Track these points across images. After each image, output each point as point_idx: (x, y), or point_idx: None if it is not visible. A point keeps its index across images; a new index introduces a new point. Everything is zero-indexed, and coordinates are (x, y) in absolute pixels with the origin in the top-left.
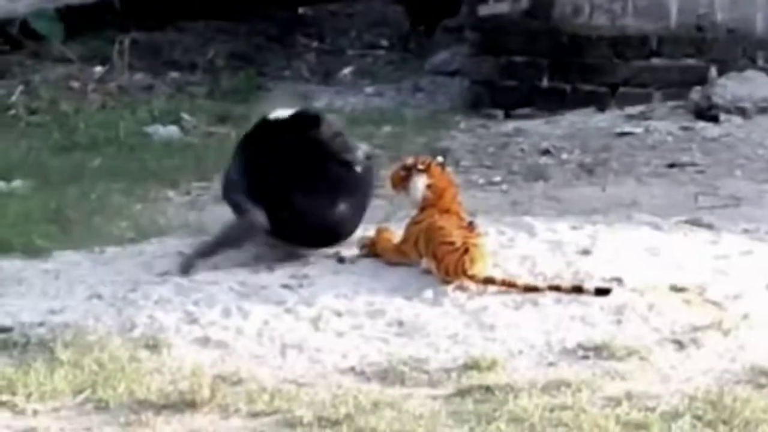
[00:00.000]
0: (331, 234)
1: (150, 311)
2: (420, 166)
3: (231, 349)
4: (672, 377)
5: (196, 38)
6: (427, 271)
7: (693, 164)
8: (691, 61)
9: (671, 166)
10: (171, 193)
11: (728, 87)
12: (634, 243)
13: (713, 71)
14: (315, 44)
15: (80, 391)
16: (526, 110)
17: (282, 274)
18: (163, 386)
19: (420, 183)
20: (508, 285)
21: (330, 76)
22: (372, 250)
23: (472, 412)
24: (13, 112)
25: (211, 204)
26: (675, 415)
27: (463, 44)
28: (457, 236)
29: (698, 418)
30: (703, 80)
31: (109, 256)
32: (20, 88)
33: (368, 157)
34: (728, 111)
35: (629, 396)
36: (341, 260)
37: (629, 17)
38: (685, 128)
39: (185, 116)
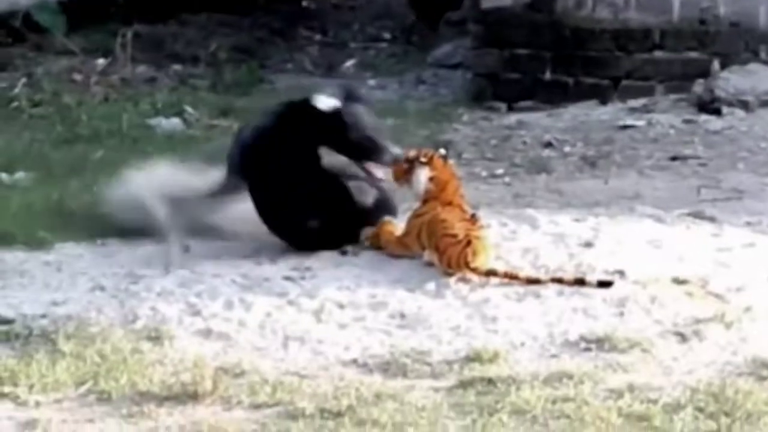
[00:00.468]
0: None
1: (152, 303)
2: (422, 159)
3: (233, 340)
4: (674, 369)
5: (199, 31)
6: (430, 264)
7: (695, 157)
8: (693, 54)
9: (674, 158)
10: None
11: (731, 80)
12: (636, 235)
13: (716, 64)
14: (318, 37)
15: (82, 383)
16: (528, 103)
17: (284, 266)
18: (166, 378)
19: (422, 176)
20: (511, 277)
21: (333, 69)
22: (375, 242)
23: (474, 404)
24: (16, 104)
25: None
26: (677, 407)
27: (466, 37)
28: (459, 228)
29: (700, 410)
30: (705, 73)
31: (111, 249)
32: (23, 80)
33: (396, 160)
34: (731, 104)
35: (631, 388)
36: (344, 252)
37: (632, 10)
38: (687, 121)
39: (188, 109)
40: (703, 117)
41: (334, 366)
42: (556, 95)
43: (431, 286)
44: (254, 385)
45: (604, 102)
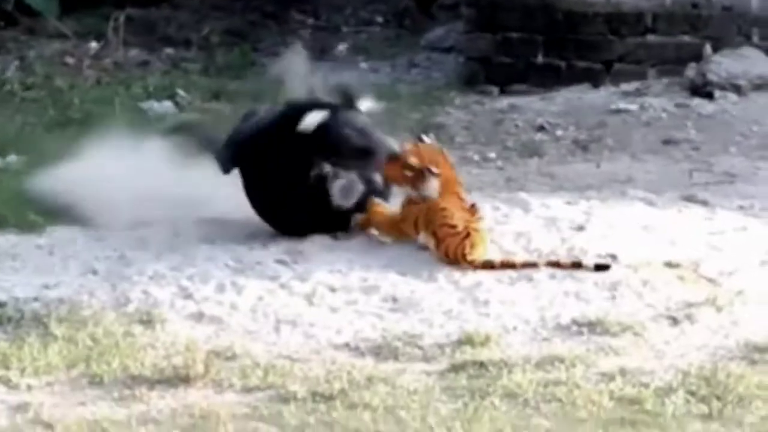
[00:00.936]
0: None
1: (144, 286)
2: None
3: (225, 324)
4: (666, 353)
5: (191, 14)
6: (424, 247)
7: (688, 141)
8: (686, 38)
9: (666, 142)
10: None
11: (723, 64)
12: (628, 219)
13: (708, 48)
14: (310, 21)
15: (74, 366)
16: (521, 87)
17: (276, 249)
18: (157, 361)
19: (434, 185)
20: (508, 266)
21: (325, 53)
22: (365, 223)
23: (466, 388)
24: (8, 87)
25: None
26: (668, 391)
27: (459, 21)
28: (458, 219)
29: (692, 393)
30: (698, 57)
31: (103, 232)
32: (15, 63)
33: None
34: (723, 88)
35: (623, 372)
36: (335, 237)
37: None
38: (679, 105)
39: (180, 92)
40: (696, 101)
41: (325, 349)
42: (548, 79)
43: (423, 270)
44: (246, 368)
45: (596, 86)
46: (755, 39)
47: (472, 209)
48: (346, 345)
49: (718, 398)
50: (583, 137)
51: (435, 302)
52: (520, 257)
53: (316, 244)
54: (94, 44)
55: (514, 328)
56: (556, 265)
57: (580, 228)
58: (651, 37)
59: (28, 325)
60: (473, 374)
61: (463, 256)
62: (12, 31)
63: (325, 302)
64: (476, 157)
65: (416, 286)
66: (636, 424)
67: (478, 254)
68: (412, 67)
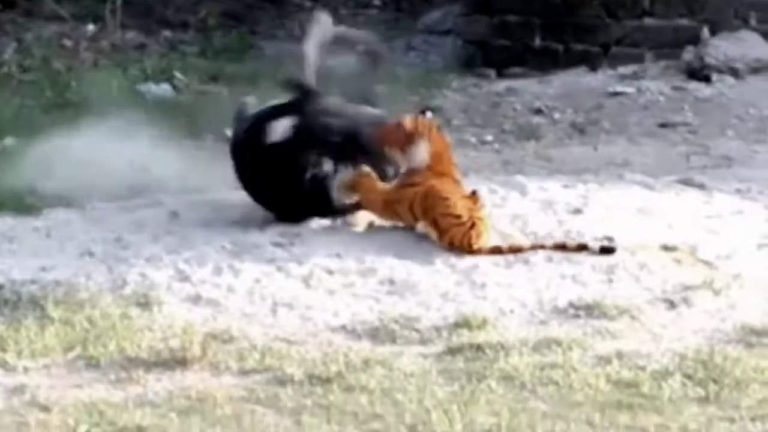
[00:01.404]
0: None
1: (141, 269)
2: (424, 132)
3: (222, 307)
4: (663, 336)
5: None
6: (424, 236)
7: (685, 124)
8: (683, 21)
9: (663, 125)
10: (162, 151)
11: (720, 47)
12: (625, 202)
13: (705, 31)
14: (308, 4)
15: (71, 348)
16: (518, 70)
17: (273, 232)
18: (154, 344)
19: (423, 149)
20: (516, 251)
21: None
22: (350, 190)
23: (463, 370)
24: (5, 70)
25: (203, 161)
26: (665, 374)
27: (456, 3)
28: (462, 209)
29: (688, 376)
30: (695, 40)
31: (100, 214)
32: (13, 46)
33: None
34: (720, 71)
35: (620, 355)
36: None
37: None
38: (677, 88)
39: (177, 75)
40: (693, 84)
41: (322, 332)
42: (545, 62)
43: (420, 253)
44: (243, 351)
45: (593, 69)
46: (753, 22)
47: (473, 197)
48: (343, 327)
49: (715, 381)
50: (580, 120)
51: (432, 285)
52: (525, 242)
53: (313, 227)
54: (91, 27)
55: (511, 311)
56: (562, 248)
57: (577, 211)
58: (648, 21)
59: (25, 307)
60: (470, 357)
61: (470, 246)
62: (10, 13)
63: (322, 285)
64: (473, 140)
65: (413, 269)
66: (632, 407)
67: (483, 242)
68: (409, 50)
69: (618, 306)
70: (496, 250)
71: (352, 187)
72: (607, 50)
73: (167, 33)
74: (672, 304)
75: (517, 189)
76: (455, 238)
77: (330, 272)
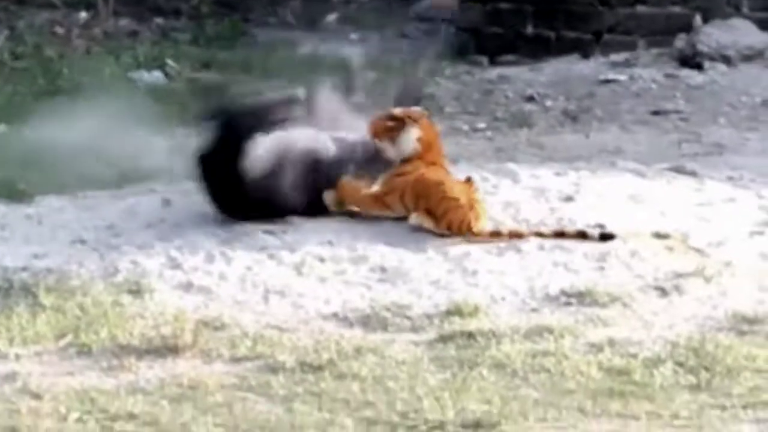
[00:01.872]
0: None
1: (133, 256)
2: (413, 118)
3: (214, 294)
4: (654, 324)
5: None
6: (418, 228)
7: (677, 112)
8: (675, 9)
9: (655, 113)
10: (155, 139)
11: (713, 35)
12: (617, 190)
13: (698, 19)
14: None
15: (63, 336)
16: (510, 57)
17: (265, 220)
18: (146, 331)
19: (412, 135)
20: (515, 236)
21: (315, 23)
22: (340, 206)
23: (455, 358)
24: None
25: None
26: (657, 362)
27: None
28: (459, 192)
29: (680, 364)
30: (687, 28)
31: (92, 202)
32: (5, 33)
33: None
34: (712, 58)
35: (611, 342)
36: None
37: None
38: (669, 76)
39: (170, 62)
40: (685, 71)
41: (314, 320)
42: (538, 49)
43: (412, 240)
44: (234, 338)
45: (585, 56)
46: (745, 10)
47: (468, 181)
48: (335, 315)
49: (707, 369)
50: (572, 108)
51: (423, 273)
52: (524, 228)
53: (304, 215)
54: (83, 14)
55: (503, 299)
56: (561, 234)
57: (569, 199)
58: (641, 8)
59: (17, 294)
60: (462, 345)
61: (469, 228)
62: (2, 1)
63: (314, 272)
64: (465, 128)
65: (405, 257)
66: (624, 394)
67: (482, 225)
68: (401, 37)
69: (610, 293)
70: (496, 234)
71: (339, 201)
72: (599, 38)
73: (159, 20)
74: (664, 292)
75: (509, 176)
76: (454, 221)
77: (322, 260)
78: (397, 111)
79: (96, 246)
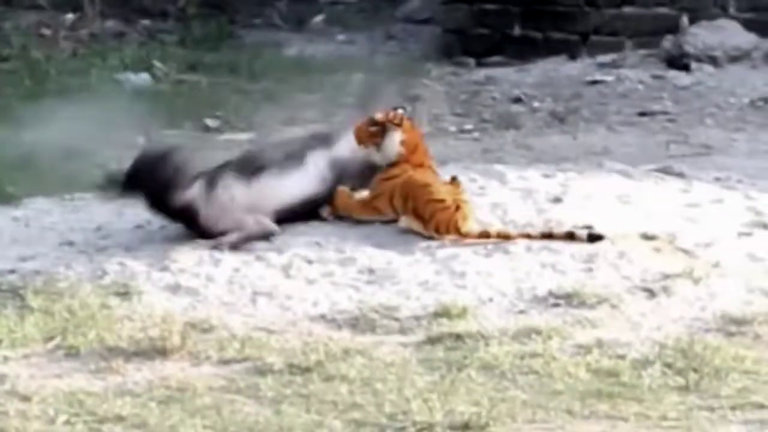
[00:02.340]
0: None
1: (121, 258)
2: (395, 122)
3: (202, 296)
4: (642, 325)
5: None
6: (407, 231)
7: (664, 113)
8: (662, 10)
9: (642, 114)
10: (142, 140)
11: (700, 35)
12: (605, 191)
13: (685, 20)
14: None
15: (51, 338)
16: (497, 58)
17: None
18: (134, 333)
19: (395, 139)
20: (503, 237)
21: (302, 24)
22: (334, 211)
23: (443, 360)
24: None
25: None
26: (645, 363)
27: None
28: (445, 193)
29: (668, 365)
30: (674, 29)
31: (79, 203)
32: None
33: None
34: (699, 59)
35: (599, 343)
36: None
37: None
38: (656, 77)
39: (156, 64)
40: (672, 72)
41: (302, 321)
42: (525, 50)
43: (400, 241)
44: (222, 340)
45: (573, 57)
46: (732, 11)
47: (454, 182)
48: (323, 317)
49: (695, 370)
50: (559, 109)
51: (411, 274)
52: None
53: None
54: (70, 15)
55: (491, 300)
56: (549, 236)
57: (557, 200)
58: (627, 9)
59: (5, 296)
60: (450, 346)
61: (457, 229)
62: None
63: (302, 274)
64: (452, 129)
65: (393, 259)
66: (612, 396)
67: (469, 226)
68: (388, 38)
69: (598, 295)
70: (485, 235)
71: (335, 206)
72: (586, 39)
73: (146, 22)
74: (652, 293)
75: (496, 178)
76: (441, 223)
77: (309, 262)
78: (379, 116)
79: (84, 248)
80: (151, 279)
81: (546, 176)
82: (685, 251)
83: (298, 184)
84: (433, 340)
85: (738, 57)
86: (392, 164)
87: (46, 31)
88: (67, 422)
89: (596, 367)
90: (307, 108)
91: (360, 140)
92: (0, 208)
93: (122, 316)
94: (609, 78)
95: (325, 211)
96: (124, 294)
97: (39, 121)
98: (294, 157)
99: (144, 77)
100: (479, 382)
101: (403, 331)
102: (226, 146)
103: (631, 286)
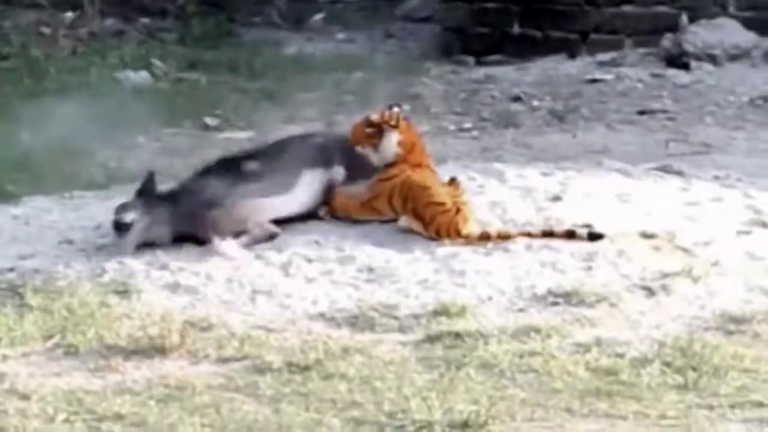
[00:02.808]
0: None
1: (120, 257)
2: (392, 123)
3: (201, 294)
4: (641, 324)
5: None
6: (407, 230)
7: (663, 111)
8: (662, 8)
9: (642, 113)
10: (141, 139)
11: (699, 34)
12: (604, 190)
13: (684, 18)
14: None
15: (50, 337)
16: (497, 57)
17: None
18: (133, 331)
19: (393, 139)
20: (504, 237)
21: (301, 23)
22: (332, 212)
23: (442, 358)
24: None
25: (181, 149)
26: (644, 362)
27: None
28: (445, 196)
29: (667, 364)
30: (674, 27)
31: (79, 202)
32: None
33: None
34: (699, 58)
35: (599, 342)
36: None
37: None
38: (655, 75)
39: (156, 62)
40: (672, 71)
41: (301, 320)
42: (524, 49)
43: (399, 240)
44: (222, 338)
45: (572, 56)
46: (731, 9)
47: (454, 183)
48: (322, 315)
49: (694, 369)
50: (558, 107)
51: (411, 272)
52: (512, 229)
53: None
54: (69, 14)
55: (490, 299)
56: (550, 234)
57: (556, 198)
58: (627, 7)
59: (4, 295)
60: (449, 345)
61: (457, 232)
62: None
63: (301, 273)
64: (452, 127)
65: (392, 257)
66: (611, 394)
67: (470, 228)
68: (388, 37)
69: (597, 293)
70: (485, 236)
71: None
72: (585, 37)
73: (146, 20)
74: (651, 292)
75: (495, 176)
76: (441, 226)
77: (309, 260)
78: (375, 117)
79: (83, 246)
80: (150, 277)
81: (545, 175)
82: (685, 250)
83: (286, 206)
84: (432, 339)
85: (737, 55)
86: (390, 164)
87: (46, 30)
88: (66, 420)
89: (595, 366)
90: (306, 106)
91: (357, 141)
92: (0, 206)
93: (121, 315)
94: (608, 76)
95: (322, 211)
96: (124, 292)
97: (38, 119)
98: (287, 173)
99: (143, 76)
100: (478, 381)
101: (402, 330)
102: (226, 145)
103: (630, 284)
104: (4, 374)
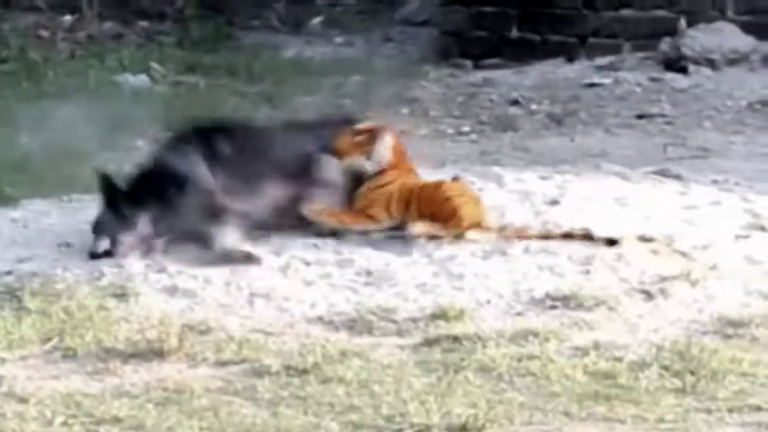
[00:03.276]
0: None
1: (118, 260)
2: (384, 129)
3: (199, 298)
4: (640, 327)
5: None
6: (417, 237)
7: (662, 115)
8: (660, 12)
9: (640, 117)
10: (140, 142)
11: (697, 38)
12: (602, 193)
13: (683, 22)
14: None
15: (48, 340)
16: (495, 60)
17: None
18: (131, 335)
19: (388, 143)
20: (522, 237)
21: (300, 26)
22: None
23: (440, 362)
24: None
25: None
26: (642, 365)
27: None
28: (459, 189)
29: (666, 368)
30: (672, 31)
31: (77, 205)
32: None
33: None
34: (697, 62)
35: (597, 346)
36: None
37: None
38: (654, 79)
39: (154, 65)
40: (670, 75)
41: (299, 323)
42: (522, 53)
43: (397, 243)
44: (220, 342)
45: (570, 60)
46: (730, 13)
47: (456, 181)
48: (320, 319)
49: (692, 373)
50: (557, 111)
51: (409, 276)
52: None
53: None
54: (68, 17)
55: (488, 302)
56: (569, 236)
57: (554, 202)
58: (626, 12)
59: (2, 298)
60: (447, 348)
61: (480, 223)
62: None
63: (299, 276)
64: (450, 131)
65: (390, 260)
66: (610, 398)
67: (489, 220)
68: (386, 40)
69: (595, 297)
70: (503, 230)
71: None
72: (584, 41)
73: (144, 23)
74: (649, 295)
75: (494, 180)
76: (464, 217)
77: (307, 263)
78: (361, 127)
79: (81, 249)
80: (148, 281)
81: (543, 178)
82: (683, 253)
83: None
84: (430, 342)
85: (736, 60)
86: (379, 172)
87: (44, 33)
88: (64, 424)
89: (593, 370)
90: (305, 110)
91: (345, 153)
92: None
93: (119, 318)
94: (607, 80)
95: (305, 209)
96: (122, 296)
97: (37, 122)
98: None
99: (142, 79)
100: (476, 384)
101: (400, 333)
102: None
103: (628, 288)
104: (2, 377)
